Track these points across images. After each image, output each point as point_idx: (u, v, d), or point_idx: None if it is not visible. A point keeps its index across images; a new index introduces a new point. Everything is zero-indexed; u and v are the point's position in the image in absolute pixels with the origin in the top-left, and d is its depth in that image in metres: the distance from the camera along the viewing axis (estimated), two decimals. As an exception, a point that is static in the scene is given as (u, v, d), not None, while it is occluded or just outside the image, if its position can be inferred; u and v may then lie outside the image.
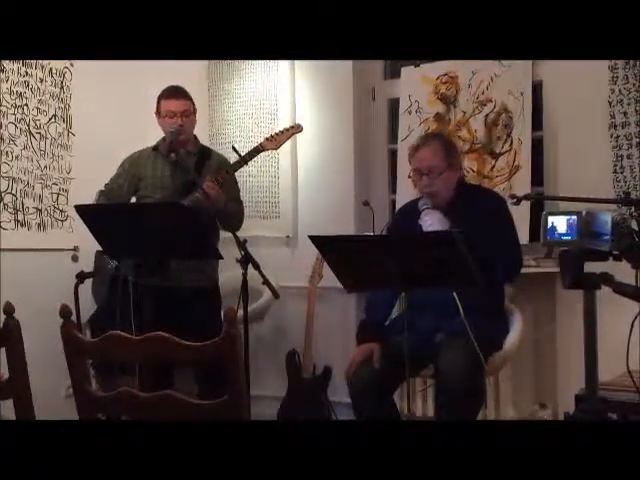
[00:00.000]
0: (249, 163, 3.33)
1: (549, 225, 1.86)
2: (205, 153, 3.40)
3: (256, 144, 3.37)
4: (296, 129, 3.40)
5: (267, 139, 3.32)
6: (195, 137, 3.44)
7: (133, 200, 3.40)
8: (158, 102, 3.35)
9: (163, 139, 3.37)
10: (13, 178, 3.68)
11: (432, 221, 2.67)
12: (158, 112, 3.35)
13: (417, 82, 3.86)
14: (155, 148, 3.38)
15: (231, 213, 3.29)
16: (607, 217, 1.77)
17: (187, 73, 4.06)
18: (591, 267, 1.89)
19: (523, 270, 3.37)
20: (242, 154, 3.25)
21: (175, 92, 3.34)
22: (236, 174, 3.34)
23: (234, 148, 3.24)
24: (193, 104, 3.38)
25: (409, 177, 2.93)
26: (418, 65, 3.88)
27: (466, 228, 2.33)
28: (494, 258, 2.53)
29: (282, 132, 3.36)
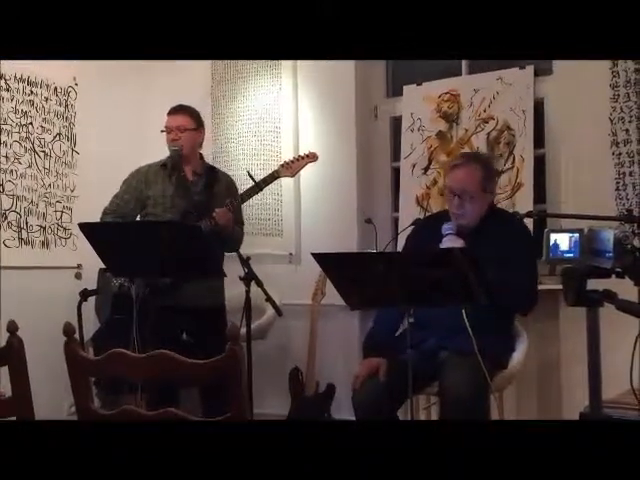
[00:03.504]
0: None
1: (551, 243, 1.86)
2: (212, 173, 3.39)
3: (260, 162, 3.38)
4: (312, 158, 3.39)
5: (282, 166, 3.33)
6: (201, 157, 3.44)
7: (139, 218, 3.40)
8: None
9: (170, 157, 3.38)
10: (17, 196, 3.70)
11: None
12: None
13: (419, 100, 3.88)
14: (163, 165, 3.37)
15: (236, 237, 3.31)
16: (609, 234, 1.77)
17: (190, 92, 4.09)
18: (594, 284, 1.89)
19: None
20: (254, 176, 3.24)
21: (175, 108, 3.37)
22: (239, 192, 3.35)
23: (250, 174, 3.22)
24: (196, 121, 3.38)
25: (441, 194, 2.91)
26: (420, 83, 3.90)
27: (485, 254, 2.33)
28: (511, 287, 2.53)
29: (297, 159, 3.36)
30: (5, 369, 1.65)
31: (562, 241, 1.84)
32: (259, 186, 3.21)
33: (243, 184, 3.38)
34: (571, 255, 1.83)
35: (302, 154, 3.44)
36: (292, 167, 3.32)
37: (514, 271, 2.60)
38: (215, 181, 3.35)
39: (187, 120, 3.33)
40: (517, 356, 2.89)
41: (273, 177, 3.27)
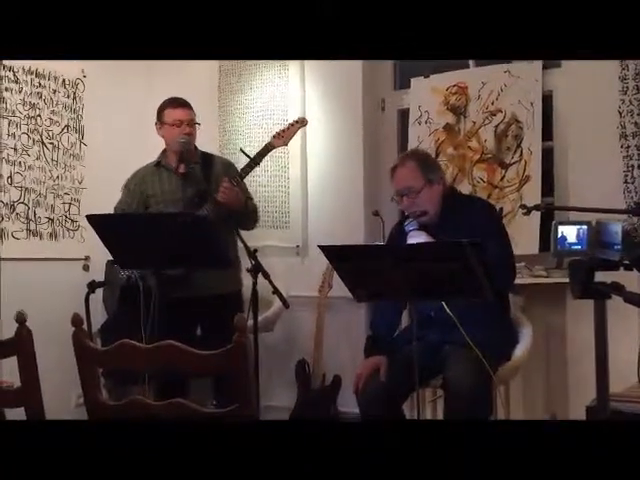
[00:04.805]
0: (259, 173, 3.34)
1: (559, 235, 1.85)
2: (208, 160, 3.40)
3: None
4: (301, 123, 3.39)
5: (274, 137, 3.32)
6: (195, 147, 3.45)
7: None
8: (161, 112, 3.34)
9: (163, 152, 3.38)
10: (26, 188, 3.72)
11: (418, 242, 2.64)
12: (161, 122, 3.33)
13: (427, 93, 3.87)
14: (158, 164, 3.38)
15: (250, 211, 3.32)
16: (617, 227, 1.77)
17: (198, 84, 4.10)
18: (601, 277, 1.89)
19: (533, 281, 3.38)
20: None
21: (181, 101, 3.35)
22: (246, 183, 3.35)
23: (242, 150, 3.23)
24: (194, 114, 3.39)
25: (392, 200, 2.94)
26: (428, 76, 3.89)
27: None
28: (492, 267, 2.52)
29: (288, 128, 3.36)
30: (14, 359, 1.66)
31: (570, 233, 1.84)
32: (255, 160, 3.21)
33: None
34: (579, 247, 1.82)
35: (292, 121, 3.43)
36: (284, 136, 3.32)
37: (488, 249, 2.58)
38: (212, 165, 3.36)
39: (193, 113, 3.35)
40: (521, 348, 2.89)
41: (267, 149, 3.27)
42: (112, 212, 3.36)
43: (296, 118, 3.50)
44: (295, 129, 3.36)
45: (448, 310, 2.54)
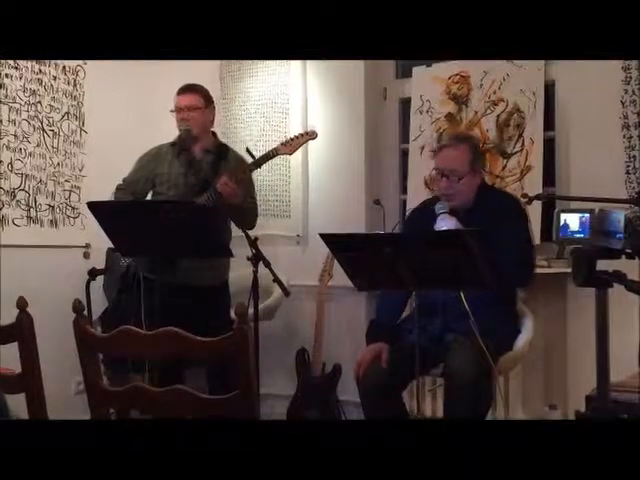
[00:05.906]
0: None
1: (562, 223, 1.85)
2: (223, 151, 3.40)
3: (267, 143, 3.38)
4: (311, 135, 3.39)
5: (282, 144, 3.33)
6: (214, 134, 3.45)
7: (149, 196, 3.42)
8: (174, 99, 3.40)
9: (180, 135, 3.40)
10: (26, 175, 3.70)
11: (447, 226, 2.64)
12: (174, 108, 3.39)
13: (429, 82, 3.86)
14: (173, 144, 3.39)
15: (247, 211, 3.32)
16: (620, 215, 1.77)
17: (199, 72, 4.06)
18: (603, 265, 1.88)
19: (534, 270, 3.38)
20: (256, 156, 3.24)
21: (184, 88, 3.39)
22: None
23: (248, 150, 3.23)
24: (205, 99, 3.39)
25: (430, 175, 2.91)
26: (430, 65, 3.88)
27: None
28: (507, 262, 2.52)
29: (297, 137, 3.36)
30: (14, 346, 1.66)
31: (572, 221, 1.83)
32: (257, 163, 3.21)
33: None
34: (581, 235, 1.82)
35: (301, 132, 3.44)
36: (291, 145, 3.32)
37: (511, 245, 2.59)
38: (224, 158, 3.36)
39: (196, 99, 3.35)
40: (523, 338, 2.89)
41: (271, 155, 3.28)
42: (115, 193, 3.38)
43: (307, 130, 3.51)
44: (303, 140, 3.36)
45: (465, 300, 2.53)
